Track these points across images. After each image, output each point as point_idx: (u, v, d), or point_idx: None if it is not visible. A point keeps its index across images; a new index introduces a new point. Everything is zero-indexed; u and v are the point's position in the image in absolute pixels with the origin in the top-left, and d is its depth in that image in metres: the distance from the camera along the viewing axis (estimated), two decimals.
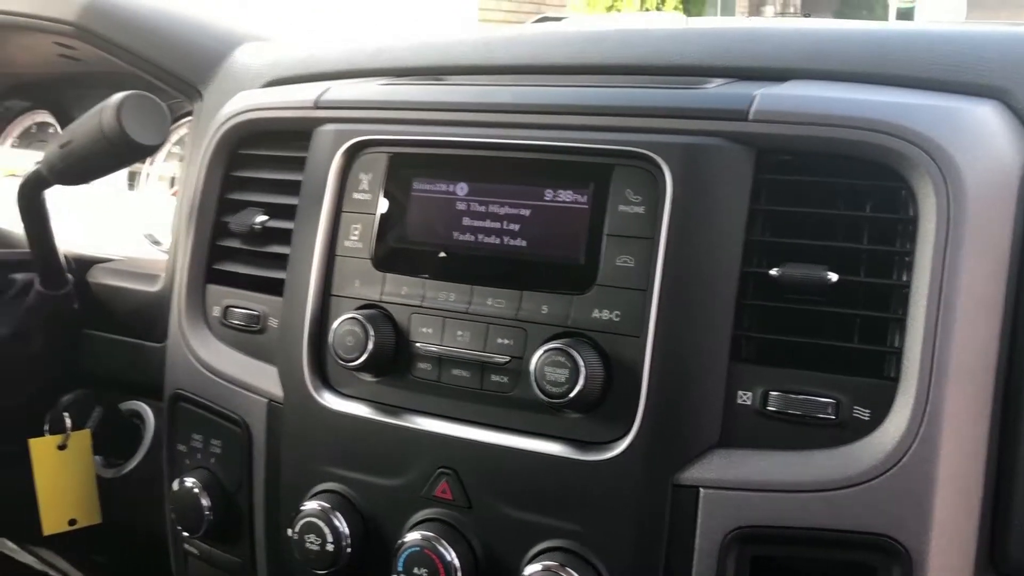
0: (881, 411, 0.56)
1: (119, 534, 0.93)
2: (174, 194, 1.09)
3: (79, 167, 0.76)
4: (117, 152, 0.72)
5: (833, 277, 0.57)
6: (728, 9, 16.07)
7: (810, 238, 0.59)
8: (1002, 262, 0.56)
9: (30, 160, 1.23)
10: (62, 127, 1.20)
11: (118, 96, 0.71)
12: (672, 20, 1.19)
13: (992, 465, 0.59)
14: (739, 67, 0.69)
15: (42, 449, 0.87)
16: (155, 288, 0.90)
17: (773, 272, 0.59)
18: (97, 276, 0.96)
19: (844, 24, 0.74)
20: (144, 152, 0.73)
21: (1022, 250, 0.57)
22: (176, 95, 0.95)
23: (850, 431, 0.57)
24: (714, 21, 1.34)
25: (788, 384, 0.58)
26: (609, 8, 9.30)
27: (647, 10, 9.17)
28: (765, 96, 0.61)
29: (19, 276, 0.91)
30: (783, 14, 18.05)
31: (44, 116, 1.23)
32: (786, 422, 0.58)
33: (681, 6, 9.17)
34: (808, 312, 0.58)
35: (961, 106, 0.59)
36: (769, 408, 0.58)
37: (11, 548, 1.20)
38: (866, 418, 0.57)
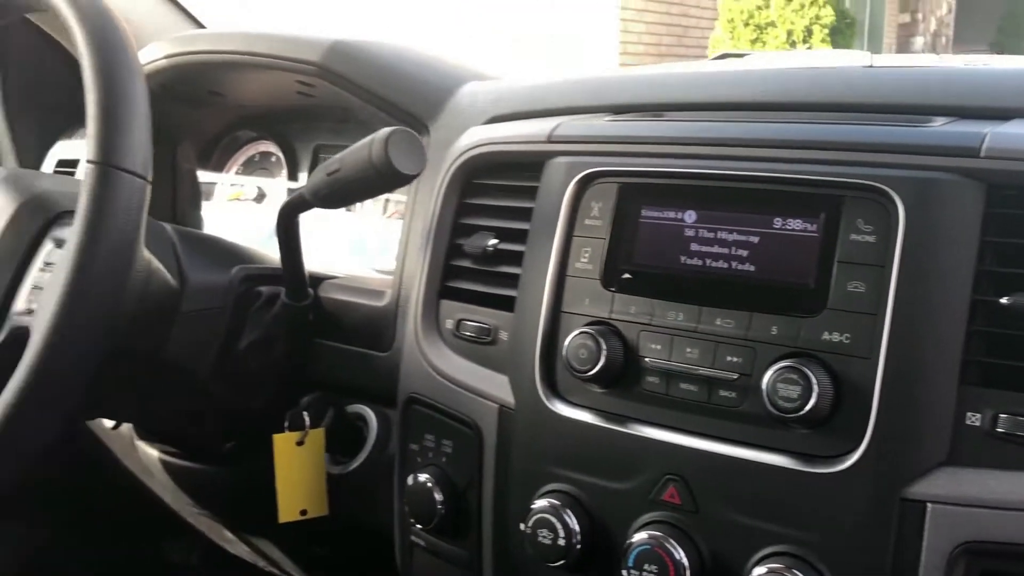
0: None
1: (340, 527, 1.02)
2: (391, 216, 1.19)
3: (343, 193, 0.85)
4: (382, 180, 0.81)
5: None
6: (876, 40, 15.65)
7: None
8: None
9: (252, 186, 1.37)
10: (285, 157, 1.32)
11: (385, 131, 0.80)
12: (857, 58, 1.22)
13: None
14: (960, 106, 0.72)
15: (283, 444, 0.97)
16: (382, 303, 0.99)
17: (1003, 301, 0.62)
18: (327, 291, 1.06)
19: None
20: (405, 181, 0.81)
21: None
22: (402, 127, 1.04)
23: None
24: (906, 59, 1.36)
25: (1017, 407, 0.61)
26: (754, 42, 9.23)
27: (793, 43, 9.05)
28: (996, 134, 0.64)
29: (264, 288, 1.01)
30: (933, 45, 17.42)
31: (267, 146, 1.35)
32: (1015, 443, 0.61)
33: (828, 39, 9.01)
34: None
35: None
36: (998, 430, 0.61)
37: (226, 538, 1.32)
38: None
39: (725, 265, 0.71)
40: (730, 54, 1.56)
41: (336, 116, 1.21)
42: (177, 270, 0.96)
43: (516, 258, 0.83)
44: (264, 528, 1.17)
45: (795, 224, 0.68)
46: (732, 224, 0.71)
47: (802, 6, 8.98)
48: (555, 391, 0.77)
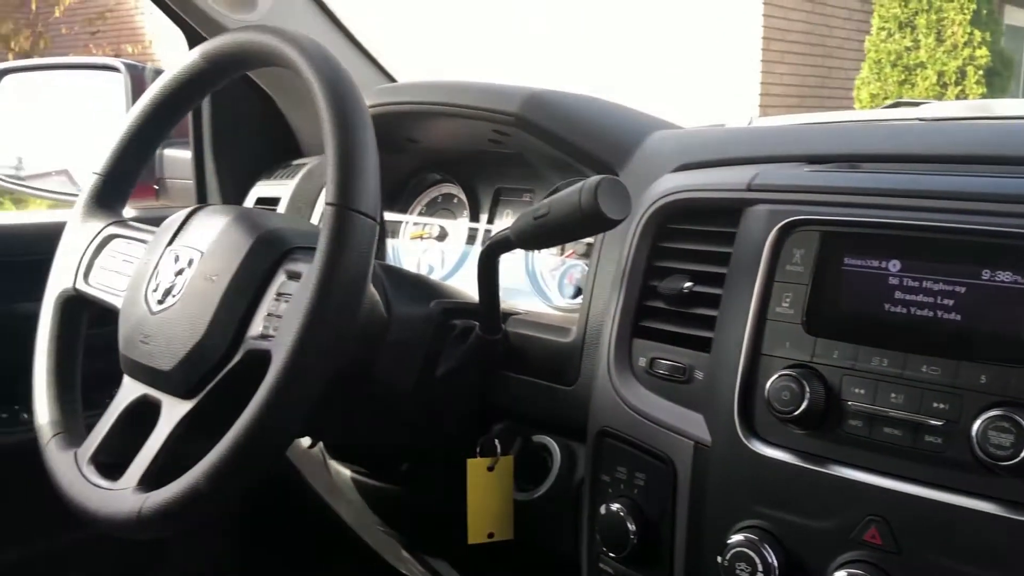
0: None
1: (522, 552, 1.07)
2: (568, 255, 1.25)
3: (548, 235, 0.91)
4: (589, 225, 0.86)
5: None
6: None
7: None
8: None
9: (435, 226, 1.46)
10: (467, 199, 1.40)
11: (595, 179, 0.85)
12: None
13: None
14: None
15: (476, 469, 1.03)
16: (567, 339, 1.04)
17: None
18: (514, 326, 1.12)
19: None
20: (610, 225, 0.87)
21: None
22: (592, 176, 1.10)
23: None
24: None
25: None
26: (902, 84, 8.99)
27: (944, 85, 8.77)
28: None
29: (459, 321, 1.08)
30: None
31: (451, 189, 1.43)
32: None
33: (983, 81, 8.68)
34: None
35: None
36: None
37: (402, 558, 1.39)
38: None
39: (930, 314, 0.73)
40: (903, 102, 1.56)
41: (517, 162, 1.28)
42: (385, 302, 1.04)
43: (712, 300, 0.86)
44: (444, 549, 1.24)
45: (1004, 276, 0.70)
46: (938, 274, 0.73)
47: (955, 47, 8.69)
48: (753, 430, 0.80)
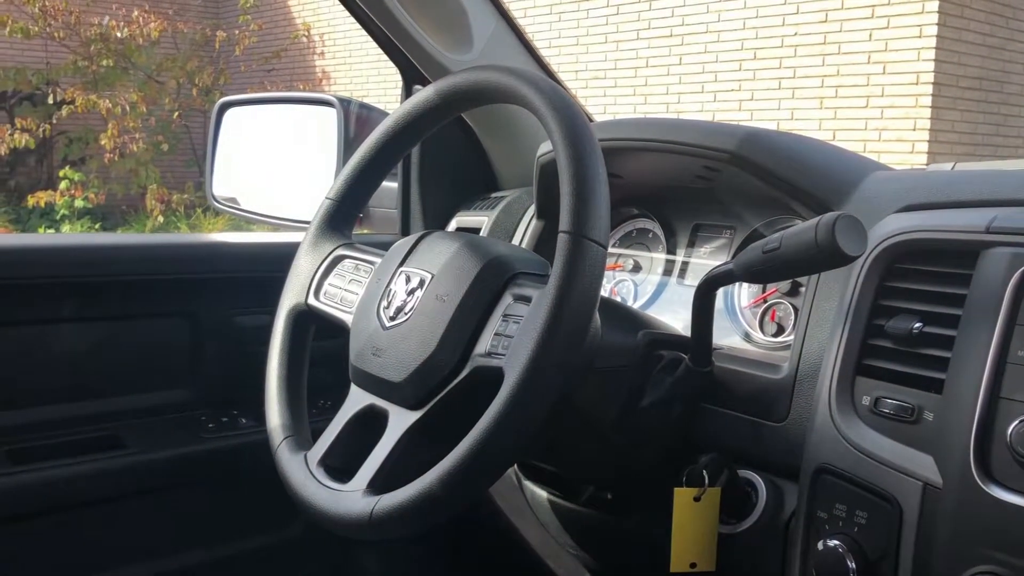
0: None
1: None
2: (769, 293, 1.25)
3: (778, 269, 0.93)
4: (823, 260, 0.88)
5: None
6: None
7: None
8: None
9: (630, 258, 1.49)
10: (665, 235, 1.42)
11: (832, 215, 0.87)
12: None
13: None
14: None
15: (682, 498, 1.05)
16: (778, 376, 1.05)
17: None
18: (719, 360, 1.14)
19: None
20: (845, 262, 0.88)
21: None
22: (805, 214, 1.11)
23: None
24: None
25: None
26: None
27: None
28: None
29: (665, 352, 1.11)
30: None
31: (647, 223, 1.47)
32: None
33: None
34: None
35: None
36: None
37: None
38: None
39: None
40: None
41: (711, 199, 1.30)
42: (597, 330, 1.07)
43: (945, 342, 0.86)
44: None
45: None
46: None
47: None
48: (989, 474, 0.79)
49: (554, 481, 1.28)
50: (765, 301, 1.26)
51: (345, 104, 1.82)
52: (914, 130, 8.94)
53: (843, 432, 0.91)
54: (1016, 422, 0.76)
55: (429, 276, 1.06)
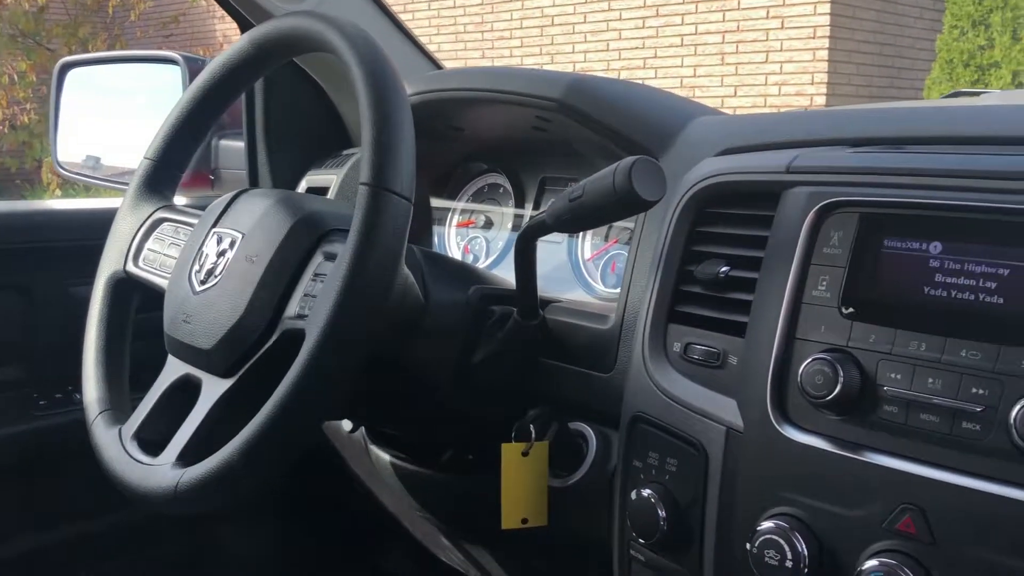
0: None
1: (558, 539, 1.06)
2: (611, 243, 1.24)
3: (584, 218, 0.90)
4: (623, 206, 0.85)
5: None
6: None
7: None
8: None
9: (481, 214, 1.46)
10: (513, 189, 1.40)
11: (629, 160, 0.84)
12: None
13: None
14: None
15: (510, 453, 1.02)
16: (606, 326, 1.03)
17: None
18: (553, 313, 1.12)
19: None
20: (645, 207, 0.86)
21: None
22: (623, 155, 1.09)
23: None
24: None
25: None
26: (974, 83, 8.74)
27: (1020, 84, 8.50)
28: None
29: (498, 308, 1.08)
30: None
31: (497, 178, 1.43)
32: None
33: None
34: None
35: None
36: None
37: (442, 545, 1.39)
38: None
39: (972, 297, 0.70)
40: (963, 92, 1.52)
41: (562, 150, 1.27)
42: (423, 287, 1.04)
43: (748, 285, 0.85)
44: (483, 537, 1.23)
45: None
46: (980, 256, 0.71)
47: None
48: (786, 416, 0.78)
49: (398, 444, 1.25)
50: (607, 252, 1.24)
51: (191, 62, 1.74)
52: (812, 84, 9.10)
53: (655, 380, 0.90)
54: (807, 361, 0.75)
55: (240, 236, 1.01)
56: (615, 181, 0.84)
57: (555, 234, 1.30)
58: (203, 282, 1.00)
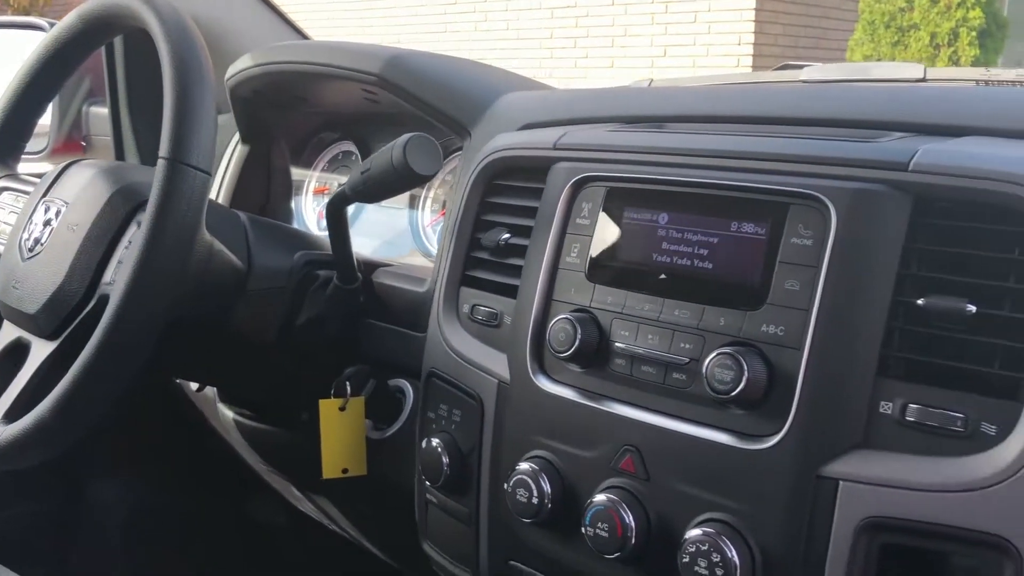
0: (1006, 428, 0.64)
1: (381, 486, 1.15)
2: (442, 214, 1.31)
3: (373, 189, 0.98)
4: (402, 180, 0.93)
5: (972, 309, 0.66)
6: None
7: (956, 275, 0.68)
8: None
9: (335, 182, 1.52)
10: (362, 156, 1.46)
11: (405, 136, 0.92)
12: (910, 70, 1.26)
13: None
14: (921, 123, 0.78)
15: (328, 408, 1.10)
16: (422, 289, 1.11)
17: (920, 302, 0.68)
18: (380, 277, 1.19)
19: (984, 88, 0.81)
20: (422, 180, 0.93)
21: None
22: (450, 134, 1.16)
23: (977, 443, 0.65)
24: (954, 72, 1.38)
25: (925, 399, 0.67)
26: (895, 44, 8.93)
27: (937, 46, 8.72)
28: (926, 151, 0.70)
29: (322, 272, 1.15)
30: None
31: (348, 146, 1.49)
32: (920, 431, 0.67)
33: (976, 43, 8.62)
34: (948, 338, 0.67)
35: None
36: (907, 419, 0.68)
37: (295, 496, 1.47)
38: (992, 433, 0.65)
39: (688, 263, 0.79)
40: (790, 65, 1.61)
41: (401, 121, 1.34)
42: (246, 253, 1.10)
43: (522, 251, 0.93)
44: (324, 488, 1.32)
45: (747, 228, 0.76)
46: (696, 226, 0.80)
47: (948, 8, 8.63)
48: (542, 369, 0.87)
49: (243, 402, 1.32)
50: (442, 219, 1.32)
51: None
52: (739, 44, 9.21)
53: (447, 339, 0.98)
54: (554, 320, 0.84)
55: (65, 206, 1.06)
56: (392, 157, 0.91)
57: (397, 201, 1.39)
58: (31, 250, 1.06)
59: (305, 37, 1.73)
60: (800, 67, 1.55)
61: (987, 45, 8.83)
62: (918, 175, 0.69)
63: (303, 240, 1.20)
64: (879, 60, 9.07)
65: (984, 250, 0.68)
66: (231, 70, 1.37)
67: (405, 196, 1.37)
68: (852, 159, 0.72)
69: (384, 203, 1.42)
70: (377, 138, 1.44)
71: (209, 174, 0.93)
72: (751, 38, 9.21)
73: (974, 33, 8.68)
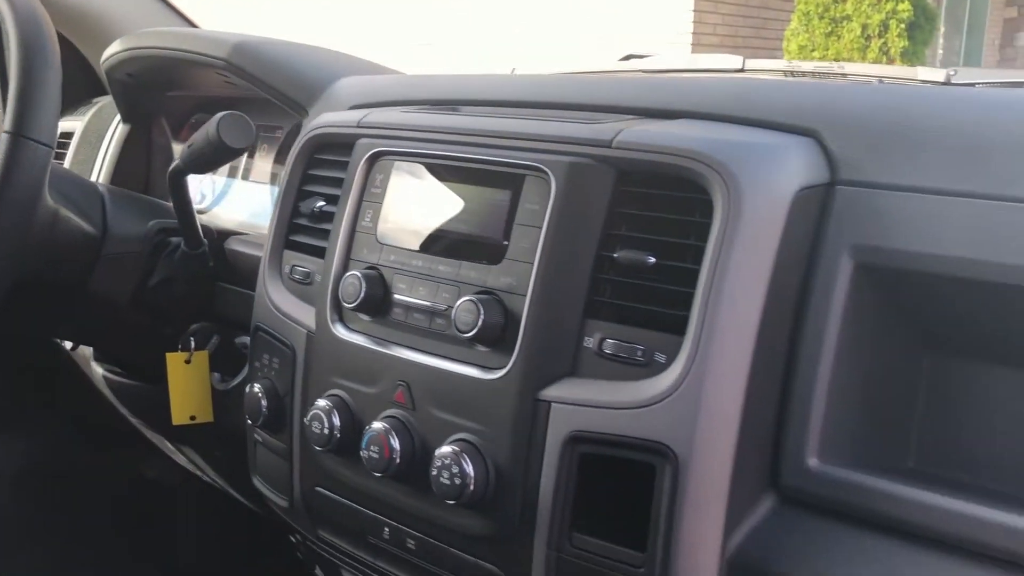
0: (672, 357, 0.78)
1: (229, 432, 1.27)
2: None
3: (198, 162, 1.10)
4: (217, 153, 1.05)
5: (652, 260, 0.80)
6: (976, 36, 15.16)
7: (649, 234, 0.82)
8: (767, 255, 0.77)
9: None
10: None
11: (219, 115, 1.04)
12: (729, 61, 1.41)
13: (775, 406, 0.80)
14: (646, 108, 0.93)
15: (174, 361, 1.23)
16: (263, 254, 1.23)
17: (616, 255, 0.82)
18: (232, 244, 1.31)
19: (728, 77, 0.95)
20: (236, 154, 1.06)
21: (783, 245, 0.77)
22: (293, 114, 1.29)
23: (652, 370, 0.80)
24: (773, 64, 1.53)
25: (617, 335, 0.82)
26: (828, 35, 9.17)
27: (868, 37, 8.96)
28: (628, 131, 0.84)
29: (174, 239, 1.27)
30: None
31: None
32: (613, 361, 0.82)
33: (905, 34, 8.88)
34: (635, 285, 0.82)
35: (761, 140, 0.80)
36: (604, 351, 0.82)
37: (169, 448, 1.59)
38: (663, 361, 0.79)
39: (452, 226, 0.93)
40: (635, 55, 1.76)
41: (259, 103, 1.46)
42: (101, 220, 1.22)
43: (331, 218, 1.06)
44: (188, 438, 1.44)
45: (496, 196, 0.90)
46: (460, 195, 0.93)
47: (879, 0, 8.88)
48: (340, 319, 1.00)
49: (113, 359, 1.43)
50: None
51: None
52: (678, 34, 9.38)
53: (270, 296, 1.11)
54: (345, 276, 0.97)
55: None
56: (208, 133, 1.04)
57: (262, 176, 1.50)
58: None
59: (191, 24, 1.83)
60: (643, 57, 1.70)
61: (916, 37, 9.09)
62: (620, 151, 0.83)
63: (159, 209, 1.32)
64: (813, 50, 9.32)
65: (671, 213, 0.82)
66: (105, 54, 1.48)
67: (267, 173, 1.49)
68: (569, 137, 0.86)
69: (251, 179, 1.55)
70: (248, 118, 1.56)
71: (51, 147, 1.05)
72: (690, 27, 9.40)
73: (903, 25, 8.93)
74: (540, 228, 0.85)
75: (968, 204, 0.75)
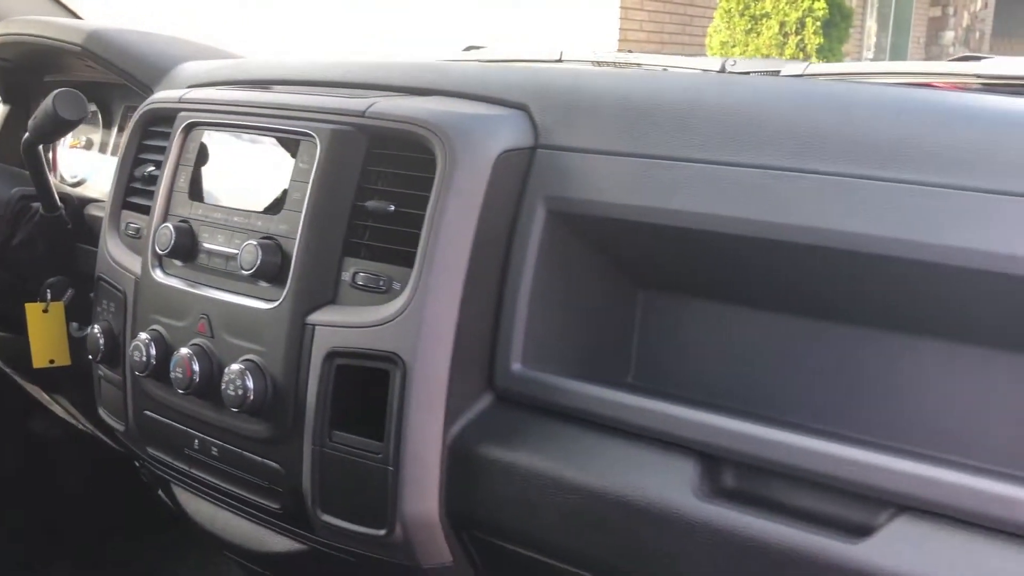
0: (404, 285, 0.98)
1: (86, 374, 1.44)
2: None
3: (40, 132, 1.27)
4: (53, 123, 1.22)
5: (391, 208, 0.99)
6: (902, 34, 15.62)
7: (393, 187, 1.01)
8: (475, 203, 0.96)
9: (83, 136, 1.79)
10: (102, 115, 1.73)
11: (56, 91, 1.21)
12: (547, 53, 1.61)
13: (490, 324, 0.99)
14: (406, 86, 1.12)
15: (32, 311, 1.39)
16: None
17: (367, 205, 1.01)
18: (91, 210, 1.48)
19: (476, 64, 1.15)
20: (70, 124, 1.22)
21: (489, 195, 0.97)
22: (142, 94, 1.45)
23: (390, 296, 0.99)
24: (629, 58, 1.72)
25: (366, 269, 1.01)
26: (748, 32, 9.48)
27: (786, 35, 9.29)
28: (379, 104, 1.03)
29: (35, 204, 1.43)
30: (966, 40, 17.36)
31: (93, 107, 1.77)
32: (363, 291, 1.01)
33: (821, 32, 9.21)
34: (381, 228, 1.01)
35: (477, 112, 1.00)
36: (357, 283, 1.01)
37: (46, 400, 1.75)
38: (398, 289, 0.98)
39: (248, 184, 1.11)
40: (474, 47, 1.95)
41: (123, 86, 1.62)
42: None
43: (155, 180, 1.23)
44: (57, 386, 1.60)
45: (279, 157, 1.08)
46: (253, 157, 1.11)
47: None
48: (160, 266, 1.18)
49: None
50: None
51: None
52: (605, 31, 9.60)
53: (109, 250, 1.27)
54: (158, 227, 1.14)
55: None
56: (46, 107, 1.20)
57: None
58: None
59: (74, 15, 1.98)
60: (480, 48, 1.89)
61: (831, 34, 9.43)
62: (370, 120, 1.02)
63: (22, 178, 1.48)
64: (734, 47, 9.62)
65: (409, 170, 1.01)
66: None
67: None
68: (332, 109, 1.05)
69: (116, 154, 1.71)
70: (118, 100, 1.72)
71: None
72: (617, 23, 9.63)
73: (819, 23, 9.27)
74: (307, 183, 1.04)
75: (629, 162, 0.95)
